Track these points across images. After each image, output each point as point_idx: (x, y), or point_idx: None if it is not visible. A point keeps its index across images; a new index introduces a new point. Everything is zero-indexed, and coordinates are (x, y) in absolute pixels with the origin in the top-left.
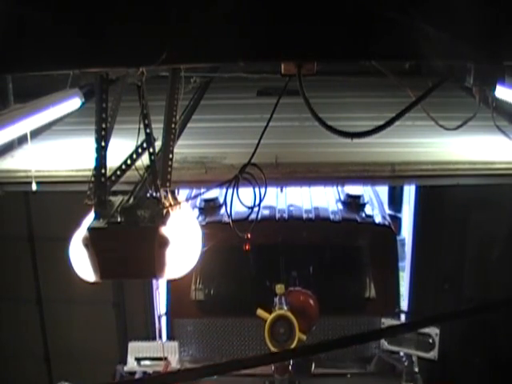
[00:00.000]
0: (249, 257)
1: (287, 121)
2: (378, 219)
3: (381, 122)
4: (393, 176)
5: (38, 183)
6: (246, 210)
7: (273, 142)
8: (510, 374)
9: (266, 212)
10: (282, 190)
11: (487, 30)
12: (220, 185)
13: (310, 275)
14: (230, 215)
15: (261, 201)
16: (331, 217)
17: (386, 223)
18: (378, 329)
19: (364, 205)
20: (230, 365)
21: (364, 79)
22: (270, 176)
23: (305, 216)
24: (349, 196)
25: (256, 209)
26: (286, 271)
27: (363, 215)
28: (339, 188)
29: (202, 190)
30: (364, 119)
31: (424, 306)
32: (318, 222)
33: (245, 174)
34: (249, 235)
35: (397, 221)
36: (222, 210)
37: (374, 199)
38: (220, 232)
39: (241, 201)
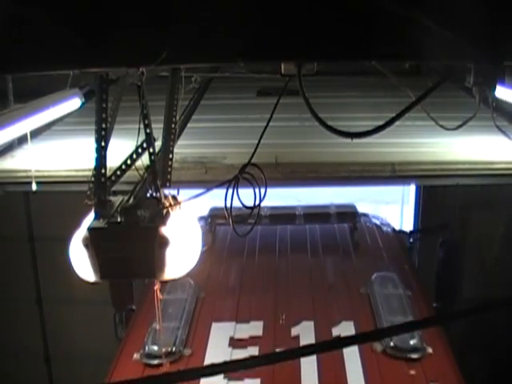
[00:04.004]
0: None
1: (287, 121)
2: None
3: (381, 122)
4: (393, 176)
5: (37, 183)
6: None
7: (273, 141)
8: (510, 373)
9: None
10: (282, 320)
11: (487, 30)
12: (220, 185)
13: None
14: (230, 215)
15: (261, 201)
16: None
17: None
18: (378, 329)
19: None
20: (229, 365)
21: (364, 79)
22: (269, 176)
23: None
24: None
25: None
26: None
27: None
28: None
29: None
30: (364, 119)
31: None
32: None
33: (245, 174)
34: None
35: None
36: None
37: None
38: None
39: (241, 201)
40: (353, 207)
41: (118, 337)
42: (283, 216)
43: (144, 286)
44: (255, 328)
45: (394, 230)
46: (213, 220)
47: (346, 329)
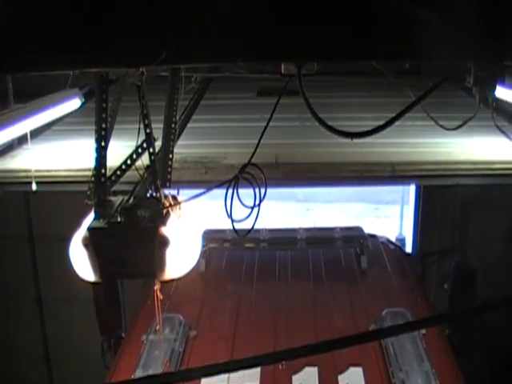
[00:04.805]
0: None
1: (287, 121)
2: None
3: (381, 122)
4: (393, 176)
5: (37, 183)
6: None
7: (273, 141)
8: (509, 373)
9: None
10: (282, 366)
11: (487, 29)
12: (220, 185)
13: None
14: (230, 216)
15: (261, 201)
16: None
17: None
18: (379, 328)
19: None
20: (230, 365)
21: (364, 79)
22: (269, 176)
23: None
24: None
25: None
26: None
27: None
28: None
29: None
30: (364, 119)
31: None
32: None
33: (245, 174)
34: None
35: None
36: None
37: None
38: None
39: (241, 201)
40: (359, 230)
41: (106, 365)
42: (283, 240)
43: (134, 311)
44: (252, 376)
45: (404, 253)
46: (206, 244)
47: (353, 376)
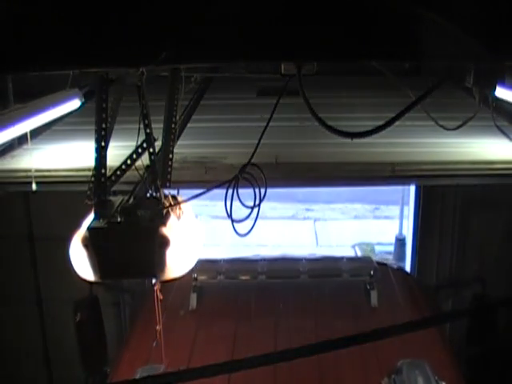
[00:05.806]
0: None
1: (287, 121)
2: None
3: (381, 122)
4: (393, 176)
5: (37, 183)
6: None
7: (273, 141)
8: (510, 373)
9: None
10: None
11: (487, 30)
12: (220, 185)
13: None
14: (229, 215)
15: (261, 201)
16: None
17: None
18: (379, 328)
19: None
20: (230, 365)
21: (364, 79)
22: (269, 176)
23: None
24: None
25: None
26: None
27: None
28: None
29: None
30: (364, 119)
31: None
32: None
33: (245, 174)
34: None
35: None
36: None
37: None
38: None
39: (241, 201)
40: (368, 260)
41: None
42: (284, 273)
43: (119, 345)
44: None
45: (419, 283)
46: (198, 277)
47: None
